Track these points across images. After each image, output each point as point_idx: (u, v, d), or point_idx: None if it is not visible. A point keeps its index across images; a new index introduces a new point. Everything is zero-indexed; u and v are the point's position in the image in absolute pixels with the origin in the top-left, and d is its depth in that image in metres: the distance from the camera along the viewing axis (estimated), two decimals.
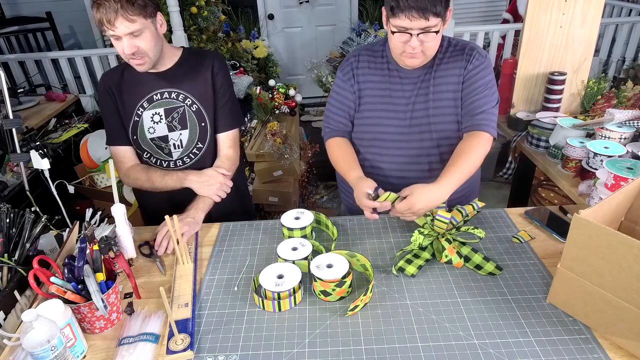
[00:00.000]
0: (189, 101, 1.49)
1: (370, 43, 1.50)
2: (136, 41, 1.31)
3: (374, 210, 1.29)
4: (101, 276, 1.06)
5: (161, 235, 1.34)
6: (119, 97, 1.49)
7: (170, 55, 1.47)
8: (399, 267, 1.18)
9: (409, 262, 1.20)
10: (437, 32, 1.23)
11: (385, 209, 1.29)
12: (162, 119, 1.49)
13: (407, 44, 1.26)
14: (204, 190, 1.47)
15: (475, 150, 1.34)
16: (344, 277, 1.09)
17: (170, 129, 1.50)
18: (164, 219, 1.21)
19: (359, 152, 1.51)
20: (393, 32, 1.26)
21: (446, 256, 1.19)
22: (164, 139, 1.51)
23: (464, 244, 1.23)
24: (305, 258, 1.19)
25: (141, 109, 1.49)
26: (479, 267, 1.17)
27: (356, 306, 1.04)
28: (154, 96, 1.48)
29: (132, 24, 1.27)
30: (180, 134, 1.51)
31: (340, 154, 1.48)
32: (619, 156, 1.50)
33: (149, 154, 1.53)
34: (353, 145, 1.52)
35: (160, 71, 1.47)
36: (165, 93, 1.48)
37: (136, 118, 1.49)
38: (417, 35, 1.23)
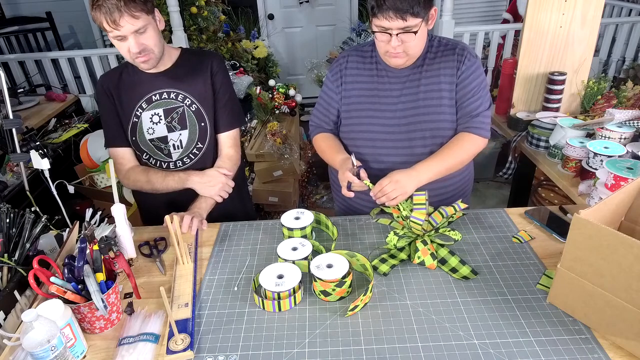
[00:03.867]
0: (188, 101, 1.49)
1: (361, 44, 1.53)
2: (142, 39, 1.31)
3: (350, 187, 1.35)
4: (101, 276, 1.06)
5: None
6: (118, 98, 1.48)
7: (169, 55, 1.47)
8: (373, 265, 1.19)
9: (383, 261, 1.21)
10: (416, 32, 1.25)
11: (361, 189, 1.36)
12: (161, 119, 1.49)
13: (388, 43, 1.28)
14: (206, 191, 1.47)
15: (461, 147, 1.38)
16: (344, 277, 1.08)
17: (170, 129, 1.50)
18: (164, 219, 1.21)
19: (350, 152, 1.52)
20: (374, 32, 1.29)
21: (419, 257, 1.19)
22: (164, 139, 1.50)
23: (442, 246, 1.23)
24: (305, 258, 1.19)
25: (140, 110, 1.48)
26: (454, 270, 1.17)
27: (356, 306, 1.04)
28: (153, 96, 1.48)
29: (136, 20, 1.26)
30: (180, 134, 1.51)
31: (326, 145, 1.53)
32: (619, 156, 1.50)
33: (148, 155, 1.53)
34: (344, 146, 1.54)
35: (159, 71, 1.47)
36: (165, 93, 1.48)
37: (135, 119, 1.49)
38: (397, 35, 1.25)
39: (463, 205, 1.31)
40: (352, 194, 1.36)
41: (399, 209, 1.30)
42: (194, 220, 1.36)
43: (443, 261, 1.19)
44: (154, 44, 1.35)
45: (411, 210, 1.26)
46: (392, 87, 1.42)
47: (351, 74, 1.46)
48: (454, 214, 1.31)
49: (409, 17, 1.21)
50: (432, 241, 1.23)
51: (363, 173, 1.34)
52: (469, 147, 1.39)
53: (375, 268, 1.19)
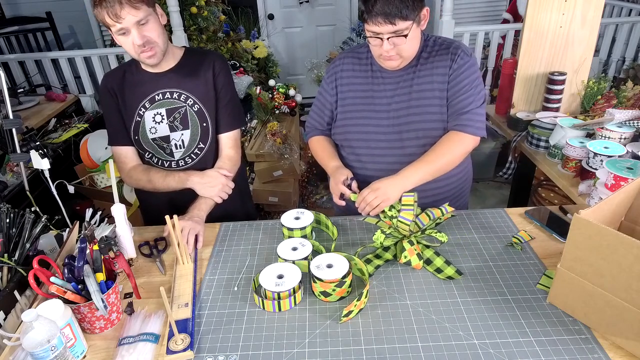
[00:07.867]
0: (190, 101, 1.49)
1: (357, 45, 1.54)
2: (144, 31, 1.32)
3: (342, 196, 1.40)
4: (101, 276, 1.06)
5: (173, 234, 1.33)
6: (121, 97, 1.49)
7: (172, 54, 1.48)
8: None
9: (368, 261, 1.21)
10: (406, 35, 1.25)
11: (350, 199, 1.39)
12: (163, 119, 1.49)
13: (380, 47, 1.29)
14: (206, 192, 1.47)
15: (449, 149, 1.37)
16: (344, 277, 1.08)
17: (172, 129, 1.50)
18: (165, 219, 1.21)
19: (345, 153, 1.54)
20: (367, 37, 1.30)
21: (405, 257, 1.19)
22: (166, 139, 1.51)
23: (428, 247, 1.23)
24: (305, 258, 1.19)
25: (143, 109, 1.49)
26: (439, 270, 1.17)
27: (350, 312, 1.04)
28: (156, 96, 1.48)
29: (137, 11, 1.27)
30: (182, 134, 1.51)
31: (321, 148, 1.57)
32: (619, 156, 1.50)
33: (150, 154, 1.53)
34: (338, 147, 1.57)
35: (163, 71, 1.47)
36: (167, 93, 1.48)
37: (138, 118, 1.49)
38: (388, 39, 1.26)
39: (450, 209, 1.31)
40: (343, 203, 1.41)
41: (384, 211, 1.30)
42: (190, 234, 1.34)
43: (428, 261, 1.20)
44: (156, 36, 1.35)
45: (399, 211, 1.26)
46: (386, 87, 1.42)
47: (346, 76, 1.48)
48: (441, 216, 1.31)
49: (398, 21, 1.21)
50: (418, 242, 1.23)
51: (354, 185, 1.40)
52: (456, 147, 1.36)
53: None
